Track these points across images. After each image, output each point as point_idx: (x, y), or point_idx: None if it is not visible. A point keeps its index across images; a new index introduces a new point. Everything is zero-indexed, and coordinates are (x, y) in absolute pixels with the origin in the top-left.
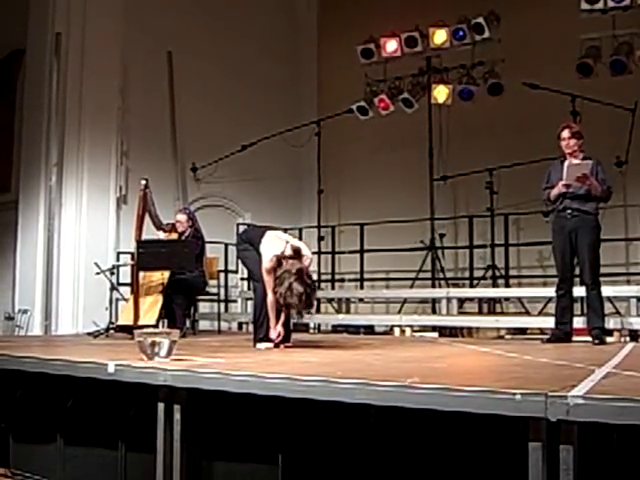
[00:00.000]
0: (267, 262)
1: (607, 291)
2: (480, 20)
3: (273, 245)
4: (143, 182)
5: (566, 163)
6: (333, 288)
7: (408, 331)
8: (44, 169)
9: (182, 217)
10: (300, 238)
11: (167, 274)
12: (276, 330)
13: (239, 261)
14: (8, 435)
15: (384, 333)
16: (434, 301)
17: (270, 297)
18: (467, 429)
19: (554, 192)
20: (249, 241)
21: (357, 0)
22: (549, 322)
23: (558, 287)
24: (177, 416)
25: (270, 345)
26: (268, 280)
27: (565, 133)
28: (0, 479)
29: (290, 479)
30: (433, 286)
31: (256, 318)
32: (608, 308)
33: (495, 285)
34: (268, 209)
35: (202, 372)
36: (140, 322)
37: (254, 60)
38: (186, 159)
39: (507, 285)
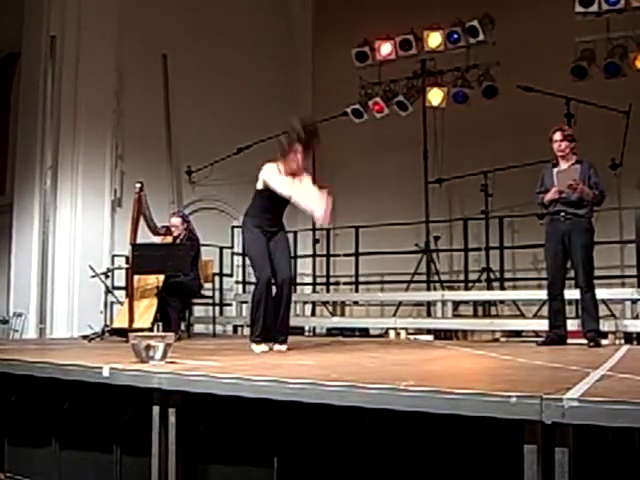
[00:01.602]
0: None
1: (602, 293)
2: (475, 23)
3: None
4: (138, 185)
5: (555, 170)
6: (328, 291)
7: (403, 334)
8: (39, 172)
9: (176, 220)
10: (295, 241)
11: (162, 277)
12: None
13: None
14: (3, 439)
15: (379, 336)
16: (429, 304)
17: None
18: (462, 432)
19: (547, 197)
20: (247, 214)
21: (352, 3)
22: (544, 325)
23: (549, 290)
24: (172, 419)
25: (265, 348)
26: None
27: (557, 135)
28: None
29: None
30: (428, 289)
31: (252, 313)
32: (603, 310)
33: (490, 288)
34: None
35: (197, 375)
36: (135, 325)
37: (249, 63)
38: (181, 162)
39: (502, 288)
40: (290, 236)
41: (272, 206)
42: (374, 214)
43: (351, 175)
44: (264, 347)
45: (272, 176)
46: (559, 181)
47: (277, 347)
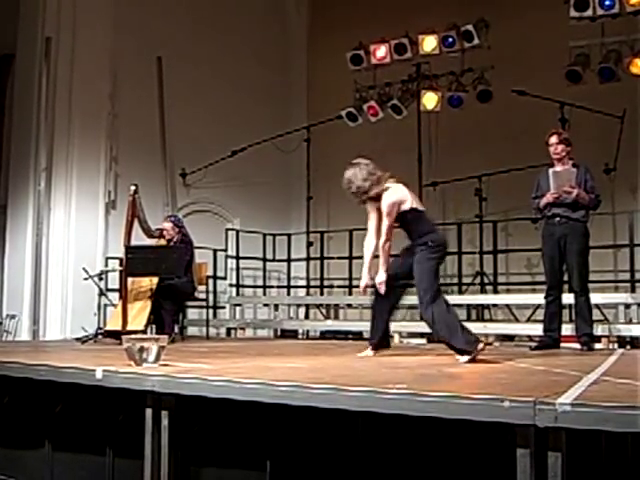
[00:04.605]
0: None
1: (595, 298)
2: (469, 27)
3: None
4: (132, 188)
5: (551, 170)
6: (322, 294)
7: (397, 337)
8: (33, 174)
9: (167, 225)
10: (289, 244)
11: (156, 280)
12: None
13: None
14: None
15: None
16: None
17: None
18: (455, 436)
19: (543, 201)
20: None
21: (347, 7)
22: (537, 329)
23: (547, 294)
24: (165, 422)
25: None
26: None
27: (553, 139)
28: None
29: None
30: None
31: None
32: (596, 315)
33: (483, 292)
34: (257, 215)
35: (190, 378)
36: (128, 328)
37: (244, 66)
38: (175, 164)
39: (495, 292)
40: (284, 239)
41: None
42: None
43: None
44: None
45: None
46: (555, 180)
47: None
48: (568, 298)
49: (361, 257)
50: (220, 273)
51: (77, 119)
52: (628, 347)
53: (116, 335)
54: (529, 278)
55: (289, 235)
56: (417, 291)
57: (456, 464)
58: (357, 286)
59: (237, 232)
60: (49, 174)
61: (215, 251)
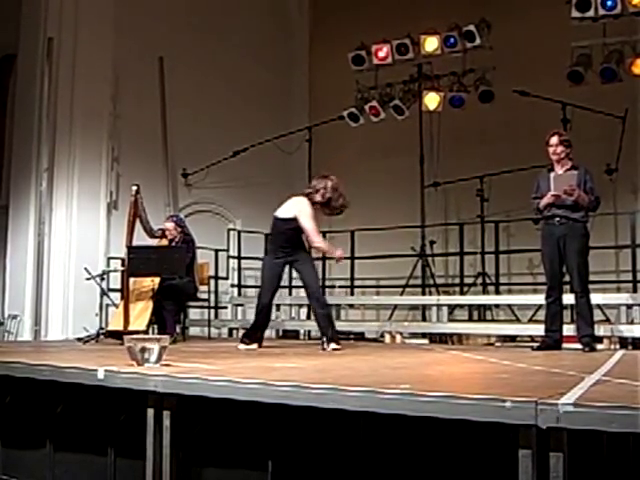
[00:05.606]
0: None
1: (597, 298)
2: (471, 27)
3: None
4: (134, 188)
5: (552, 174)
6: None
7: (398, 338)
8: (35, 174)
9: (170, 225)
10: None
11: (157, 280)
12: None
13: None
14: None
15: (374, 340)
16: (424, 308)
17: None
18: (457, 436)
19: (543, 202)
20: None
21: (349, 7)
22: (539, 329)
23: (547, 294)
24: (166, 422)
25: (252, 346)
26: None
27: (554, 139)
28: None
29: None
30: (423, 293)
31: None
32: (598, 315)
33: (485, 292)
34: (259, 215)
35: (192, 378)
36: (130, 328)
37: (246, 66)
38: (177, 165)
39: (497, 292)
40: None
41: (295, 235)
42: (370, 218)
43: (347, 179)
44: (248, 346)
45: (309, 219)
46: (556, 185)
47: (332, 346)
48: (569, 299)
49: (363, 258)
50: (222, 273)
51: (79, 119)
52: (630, 348)
53: (118, 335)
54: (531, 278)
55: None
56: (315, 290)
57: (458, 465)
58: (359, 286)
59: (239, 232)
60: (51, 174)
61: (217, 251)
